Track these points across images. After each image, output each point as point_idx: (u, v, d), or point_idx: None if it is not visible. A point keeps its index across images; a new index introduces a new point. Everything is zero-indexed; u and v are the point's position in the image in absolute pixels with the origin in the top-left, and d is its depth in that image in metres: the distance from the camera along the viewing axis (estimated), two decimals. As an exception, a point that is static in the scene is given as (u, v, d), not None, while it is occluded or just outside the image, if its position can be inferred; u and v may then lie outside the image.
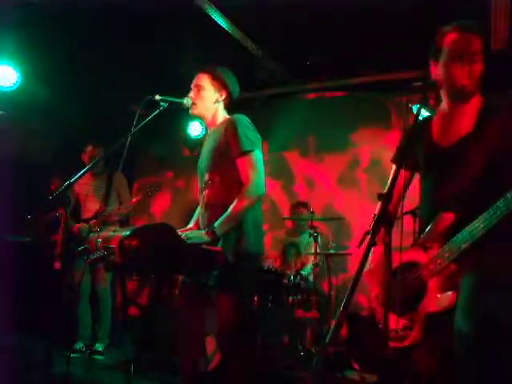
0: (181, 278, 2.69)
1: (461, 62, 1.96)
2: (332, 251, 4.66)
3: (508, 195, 1.74)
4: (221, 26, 4.39)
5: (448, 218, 1.94)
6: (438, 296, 1.93)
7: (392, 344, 2.01)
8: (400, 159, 2.21)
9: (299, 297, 4.27)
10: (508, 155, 1.90)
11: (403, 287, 2.04)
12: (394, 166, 2.31)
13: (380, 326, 2.13)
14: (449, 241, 1.92)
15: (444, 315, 1.90)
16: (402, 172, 2.05)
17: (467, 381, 1.80)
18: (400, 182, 2.04)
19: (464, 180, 1.95)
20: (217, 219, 2.41)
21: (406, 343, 2.00)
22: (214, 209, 2.50)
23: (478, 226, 1.81)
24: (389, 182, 2.29)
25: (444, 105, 2.10)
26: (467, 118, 1.99)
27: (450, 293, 1.90)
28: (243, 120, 2.57)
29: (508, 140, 1.89)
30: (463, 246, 1.86)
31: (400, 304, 2.01)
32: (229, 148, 2.50)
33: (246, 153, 2.46)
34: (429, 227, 2.00)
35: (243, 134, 2.48)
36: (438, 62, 2.04)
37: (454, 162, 1.97)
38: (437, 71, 2.04)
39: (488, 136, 1.92)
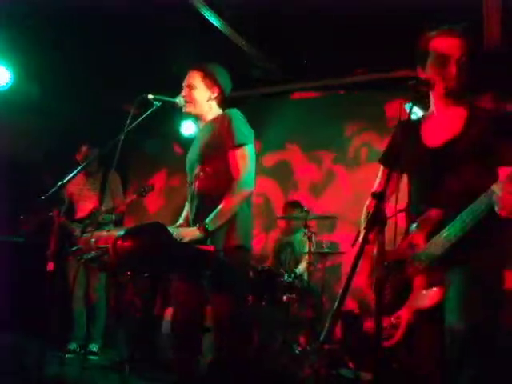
0: (176, 277, 2.69)
1: (444, 65, 1.97)
2: (326, 250, 4.66)
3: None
4: (215, 25, 4.39)
5: (434, 215, 1.95)
6: (424, 292, 1.94)
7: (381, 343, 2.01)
8: (391, 160, 2.22)
9: (294, 295, 4.27)
10: (491, 157, 1.92)
11: (391, 285, 2.05)
12: (381, 167, 2.32)
13: (367, 327, 2.14)
14: (434, 237, 1.93)
15: (431, 311, 1.91)
16: (393, 173, 2.05)
17: (462, 376, 1.80)
18: (390, 183, 2.05)
19: (451, 180, 1.96)
20: (206, 210, 2.41)
21: (393, 342, 2.00)
22: (204, 198, 2.52)
23: (459, 224, 1.83)
24: (377, 181, 2.30)
25: (432, 107, 2.12)
26: (456, 120, 2.02)
27: (436, 289, 1.91)
28: (237, 114, 2.58)
29: (491, 142, 1.91)
30: (448, 242, 1.87)
31: (388, 302, 2.02)
32: (222, 141, 2.51)
33: (239, 146, 2.48)
34: (415, 224, 2.02)
35: (237, 127, 2.50)
36: (425, 66, 2.05)
37: (442, 162, 1.99)
38: (423, 75, 2.06)
39: (475, 138, 1.93)
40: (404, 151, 2.05)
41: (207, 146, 2.59)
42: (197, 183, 2.58)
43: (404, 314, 1.99)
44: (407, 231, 2.10)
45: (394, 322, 2.01)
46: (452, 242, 1.86)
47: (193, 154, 2.68)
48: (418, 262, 1.98)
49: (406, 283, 2.01)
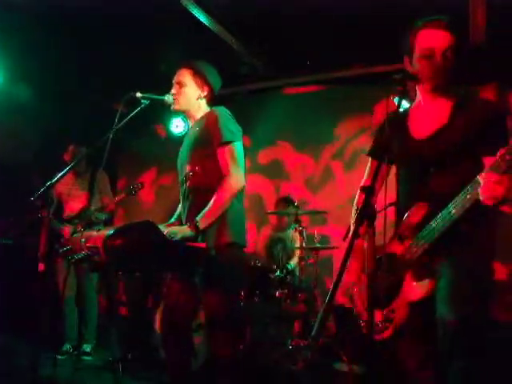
0: (168, 275, 2.69)
1: (431, 57, 1.98)
2: (318, 245, 4.67)
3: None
4: (202, 22, 4.37)
5: (422, 207, 1.96)
6: (415, 284, 1.95)
7: (373, 337, 2.03)
8: (379, 153, 2.22)
9: (286, 291, 4.28)
10: (477, 148, 1.93)
11: (383, 279, 2.06)
12: (370, 159, 2.32)
13: (360, 320, 2.15)
14: (422, 230, 1.94)
15: (423, 303, 1.93)
16: (382, 165, 2.05)
17: (452, 367, 1.82)
18: (379, 175, 2.05)
19: (438, 172, 1.98)
20: (198, 208, 2.41)
21: (386, 335, 2.02)
22: (195, 197, 2.51)
23: (445, 216, 1.85)
24: (366, 174, 2.30)
25: (419, 98, 2.13)
26: (442, 111, 2.03)
27: (426, 280, 1.93)
28: (224, 112, 2.57)
29: (477, 133, 1.92)
30: (436, 234, 1.88)
31: (381, 296, 2.04)
32: (210, 139, 2.51)
33: (226, 143, 2.47)
34: (404, 218, 2.03)
35: (224, 125, 2.49)
36: (411, 57, 2.06)
37: (428, 154, 2.00)
38: (410, 67, 2.07)
39: (460, 128, 1.94)
40: (392, 143, 2.06)
41: (196, 145, 2.59)
42: (188, 183, 2.58)
43: (397, 307, 2.01)
44: (397, 225, 2.11)
45: (388, 315, 2.03)
46: (440, 234, 1.87)
47: (183, 154, 2.68)
48: (408, 255, 1.99)
49: (398, 277, 2.03)
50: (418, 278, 1.95)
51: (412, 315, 1.97)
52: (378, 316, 2.05)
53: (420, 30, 2.03)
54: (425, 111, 2.09)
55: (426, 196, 1.97)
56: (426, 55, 1.98)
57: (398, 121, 2.13)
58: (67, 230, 4.55)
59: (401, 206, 2.11)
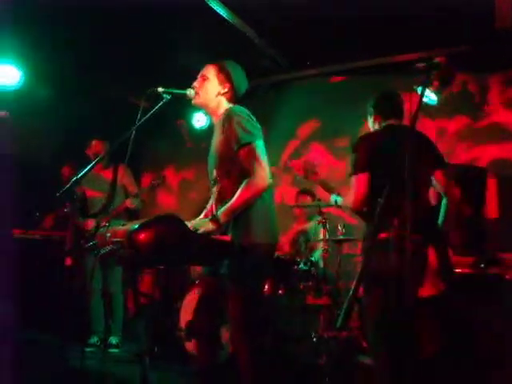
0: (200, 269, 2.70)
1: None
2: (341, 237, 4.64)
3: None
4: (221, 15, 4.37)
5: None
6: None
7: None
8: None
9: (310, 283, 4.27)
10: None
11: None
12: None
13: None
14: None
15: None
16: None
17: None
18: None
19: None
20: None
21: None
22: (224, 200, 2.51)
23: None
24: None
25: None
26: None
27: None
28: (239, 112, 2.52)
29: None
30: None
31: None
32: (229, 143, 2.48)
33: (245, 145, 2.44)
34: None
35: (240, 126, 2.45)
36: None
37: None
38: None
39: None
40: None
41: (218, 149, 2.58)
42: (216, 188, 2.59)
43: None
44: None
45: None
46: None
47: (211, 157, 2.68)
48: None
49: None
50: None
51: None
52: None
53: None
54: None
55: None
56: None
57: None
58: (90, 223, 4.62)
59: None
